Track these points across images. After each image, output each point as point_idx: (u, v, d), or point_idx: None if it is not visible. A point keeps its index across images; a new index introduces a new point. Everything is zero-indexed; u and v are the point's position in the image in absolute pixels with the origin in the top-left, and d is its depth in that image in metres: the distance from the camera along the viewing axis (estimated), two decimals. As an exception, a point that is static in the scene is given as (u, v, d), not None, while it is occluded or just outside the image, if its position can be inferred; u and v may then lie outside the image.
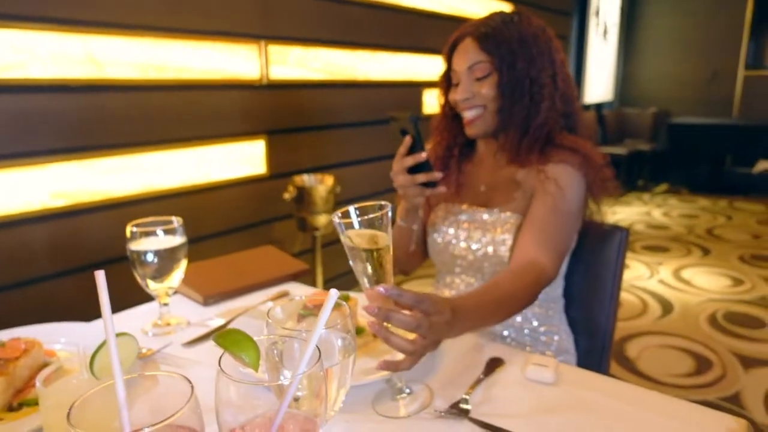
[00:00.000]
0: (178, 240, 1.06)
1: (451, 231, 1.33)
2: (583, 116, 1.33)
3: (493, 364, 0.94)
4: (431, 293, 0.82)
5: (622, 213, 5.75)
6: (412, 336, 0.76)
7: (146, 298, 1.19)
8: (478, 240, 1.29)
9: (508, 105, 1.23)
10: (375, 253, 0.80)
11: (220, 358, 0.52)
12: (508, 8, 1.51)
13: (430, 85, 3.78)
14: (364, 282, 0.83)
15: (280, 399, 0.52)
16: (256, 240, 2.77)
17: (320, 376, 0.54)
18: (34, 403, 0.79)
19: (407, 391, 0.84)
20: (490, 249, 1.28)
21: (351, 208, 0.81)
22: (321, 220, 2.71)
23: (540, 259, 1.12)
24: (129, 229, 1.03)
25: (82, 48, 2.02)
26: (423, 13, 3.62)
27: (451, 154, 1.40)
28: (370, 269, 0.81)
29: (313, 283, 2.86)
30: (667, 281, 3.76)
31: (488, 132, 1.29)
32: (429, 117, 1.02)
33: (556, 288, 1.34)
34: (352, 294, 1.08)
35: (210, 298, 1.21)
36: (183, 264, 1.08)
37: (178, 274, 1.07)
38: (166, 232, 1.05)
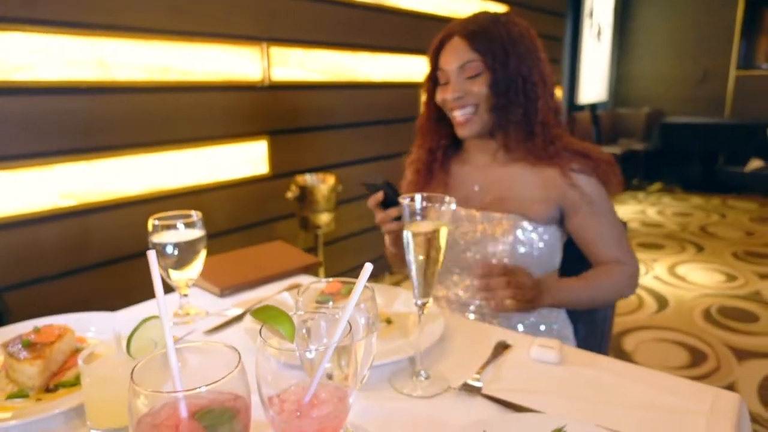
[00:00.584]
0: (197, 233, 1.10)
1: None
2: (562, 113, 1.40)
3: (501, 348, 0.99)
4: (517, 266, 1.15)
5: (618, 211, 5.81)
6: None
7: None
8: (477, 242, 1.31)
9: (503, 104, 1.25)
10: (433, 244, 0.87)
11: (260, 329, 0.57)
12: (500, 9, 1.55)
13: (428, 85, 3.83)
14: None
15: (310, 374, 0.57)
16: (259, 238, 2.80)
17: (350, 347, 0.59)
18: (70, 384, 0.84)
19: (423, 375, 0.89)
20: (490, 249, 1.30)
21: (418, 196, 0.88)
22: (323, 218, 2.74)
23: (618, 259, 1.30)
24: (151, 222, 1.07)
25: (90, 51, 2.06)
26: (422, 15, 3.68)
27: (434, 158, 1.40)
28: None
29: (316, 281, 2.90)
30: (662, 277, 3.82)
31: (482, 131, 1.30)
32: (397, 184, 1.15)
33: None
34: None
35: (226, 290, 1.26)
36: (202, 255, 1.12)
37: (197, 265, 1.12)
38: (187, 225, 1.09)
